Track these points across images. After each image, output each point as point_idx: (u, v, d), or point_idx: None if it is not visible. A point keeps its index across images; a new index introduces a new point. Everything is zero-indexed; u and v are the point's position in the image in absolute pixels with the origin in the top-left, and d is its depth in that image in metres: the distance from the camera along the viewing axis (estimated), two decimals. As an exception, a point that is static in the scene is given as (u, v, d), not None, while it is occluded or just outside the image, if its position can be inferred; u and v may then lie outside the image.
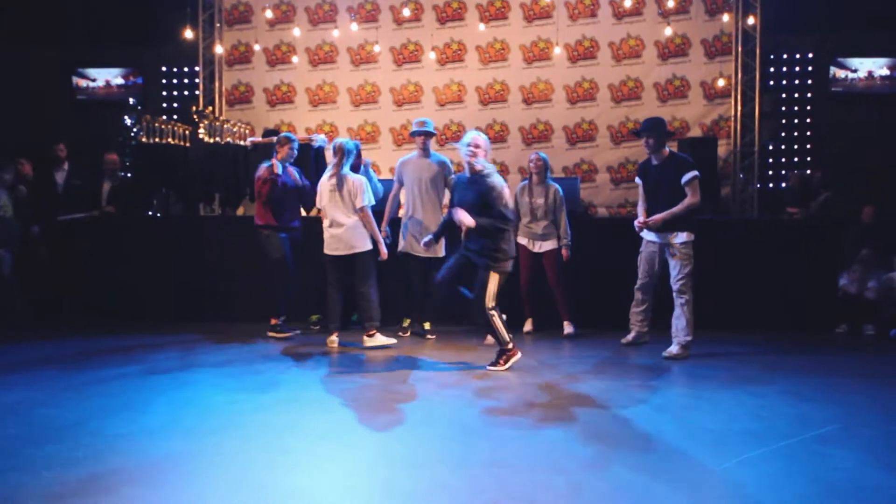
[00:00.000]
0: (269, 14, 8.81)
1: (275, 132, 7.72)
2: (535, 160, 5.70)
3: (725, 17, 8.32)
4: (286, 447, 2.87)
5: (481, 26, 8.77)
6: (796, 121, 8.92)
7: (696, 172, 4.81)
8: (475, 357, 4.75)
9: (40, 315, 6.14)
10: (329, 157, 5.54)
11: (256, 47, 8.99)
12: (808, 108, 8.90)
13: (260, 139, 7.05)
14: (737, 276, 5.88)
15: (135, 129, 7.08)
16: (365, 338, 5.03)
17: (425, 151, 5.50)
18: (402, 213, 5.69)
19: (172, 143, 6.92)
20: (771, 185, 8.81)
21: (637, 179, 5.24)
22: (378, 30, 8.94)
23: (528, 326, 5.79)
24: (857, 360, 4.95)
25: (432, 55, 8.81)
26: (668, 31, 8.34)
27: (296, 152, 5.60)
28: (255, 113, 9.09)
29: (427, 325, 5.58)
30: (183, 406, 3.49)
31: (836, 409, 3.48)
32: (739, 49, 8.35)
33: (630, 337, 5.19)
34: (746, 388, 3.91)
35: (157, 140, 6.82)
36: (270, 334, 5.41)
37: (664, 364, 4.58)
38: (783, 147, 8.85)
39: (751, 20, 8.21)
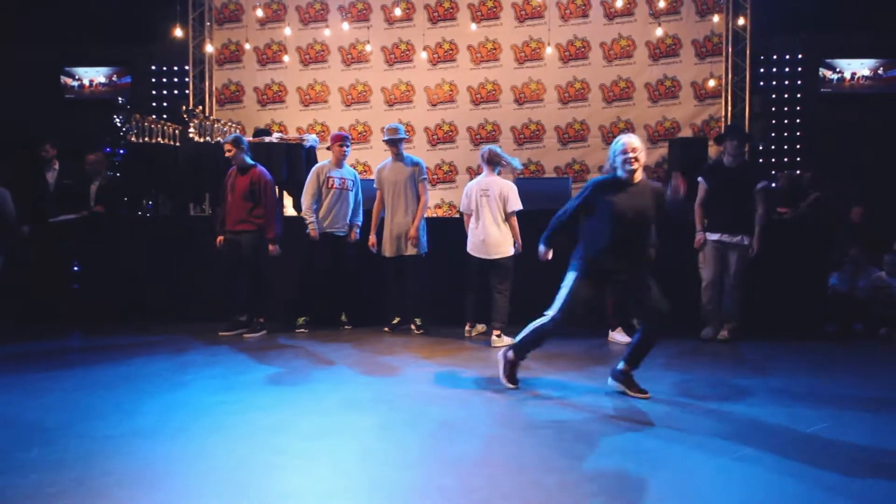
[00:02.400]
0: (259, 13, 8.78)
1: (265, 132, 7.70)
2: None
3: (716, 18, 8.38)
4: (277, 448, 2.85)
5: (473, 26, 8.78)
6: (786, 121, 8.98)
7: (768, 182, 5.35)
8: (465, 357, 4.75)
9: (31, 315, 6.08)
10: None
11: (247, 46, 8.95)
12: (798, 108, 8.96)
13: (251, 139, 7.02)
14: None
15: (124, 129, 7.01)
16: (494, 337, 5.13)
17: (399, 155, 5.66)
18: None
19: (162, 142, 6.87)
20: (775, 184, 8.84)
21: (700, 179, 5.44)
22: (370, 29, 8.93)
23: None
24: (847, 359, 4.99)
25: (424, 55, 8.80)
26: (659, 32, 8.38)
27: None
28: (245, 112, 9.05)
29: (418, 321, 5.63)
30: (173, 407, 3.46)
31: (827, 408, 3.50)
32: (730, 50, 8.40)
33: (710, 332, 5.39)
34: (737, 387, 3.93)
35: (146, 139, 6.77)
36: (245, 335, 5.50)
37: (649, 364, 4.60)
38: (773, 147, 8.91)
39: (741, 21, 8.27)
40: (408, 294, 5.65)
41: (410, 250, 5.50)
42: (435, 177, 8.91)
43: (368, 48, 8.89)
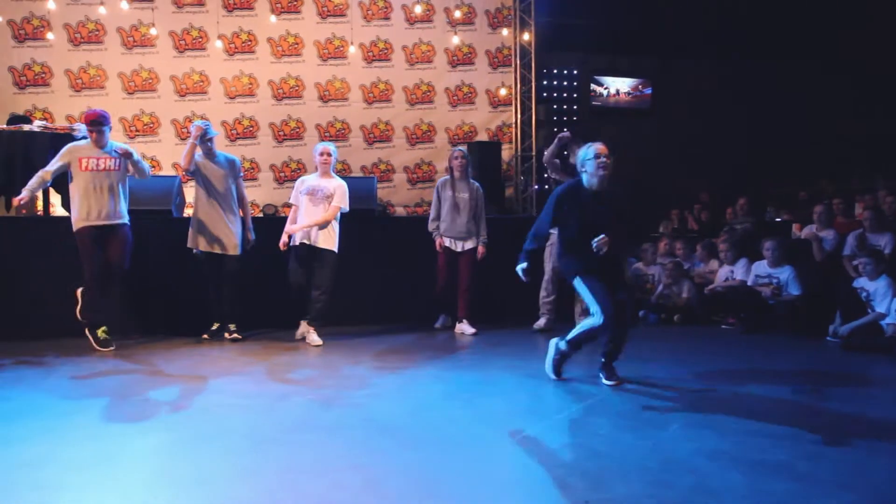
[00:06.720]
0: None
1: (24, 118, 6.61)
2: (461, 156, 5.73)
3: (505, 32, 9.07)
4: (40, 482, 2.44)
5: (272, 18, 8.45)
6: (566, 129, 10.02)
7: None
8: (276, 363, 4.55)
9: None
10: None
11: (-2, 18, 7.63)
12: (575, 118, 10.08)
13: (4, 126, 5.98)
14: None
15: None
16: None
17: (212, 151, 5.26)
18: (190, 211, 5.36)
19: None
20: (547, 186, 9.80)
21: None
22: (154, 11, 8.14)
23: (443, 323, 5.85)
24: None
25: (219, 44, 8.26)
26: (456, 40, 8.84)
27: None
28: (-5, 95, 7.71)
29: (232, 327, 5.28)
30: None
31: (595, 385, 3.93)
32: (518, 62, 9.15)
33: (543, 323, 5.69)
34: (525, 372, 4.26)
35: None
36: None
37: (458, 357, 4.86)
38: (555, 153, 9.91)
39: (526, 36, 9.05)
40: (225, 298, 5.23)
41: (233, 251, 5.15)
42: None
43: (154, 31, 8.10)
